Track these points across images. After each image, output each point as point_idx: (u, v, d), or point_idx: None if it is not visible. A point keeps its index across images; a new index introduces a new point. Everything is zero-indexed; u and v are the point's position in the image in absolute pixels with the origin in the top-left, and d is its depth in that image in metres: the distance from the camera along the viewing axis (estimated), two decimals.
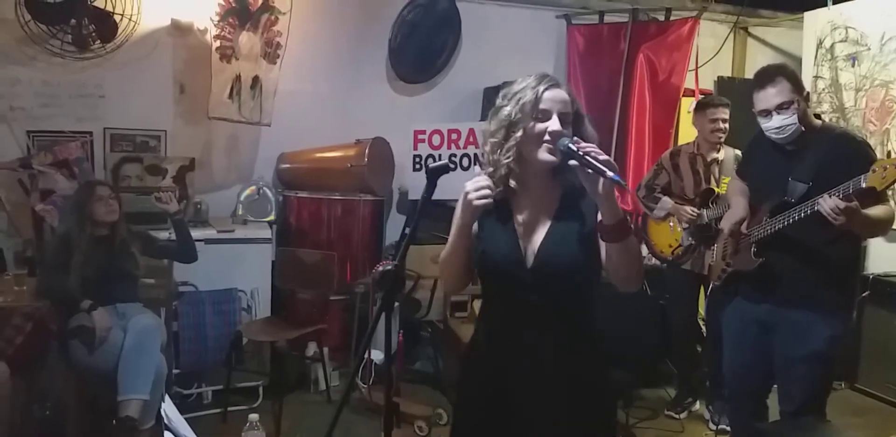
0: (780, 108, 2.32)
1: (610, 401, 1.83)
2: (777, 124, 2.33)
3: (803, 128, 2.34)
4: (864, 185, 2.10)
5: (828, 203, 2.12)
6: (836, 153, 2.31)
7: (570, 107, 1.65)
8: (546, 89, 1.63)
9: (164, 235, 3.51)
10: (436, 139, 4.38)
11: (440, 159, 4.27)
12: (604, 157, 1.50)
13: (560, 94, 1.64)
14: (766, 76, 2.36)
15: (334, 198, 4.17)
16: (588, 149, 1.52)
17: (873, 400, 3.93)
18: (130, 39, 3.97)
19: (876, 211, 2.21)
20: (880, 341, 3.91)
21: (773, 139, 2.39)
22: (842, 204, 2.08)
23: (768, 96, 2.33)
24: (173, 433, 1.56)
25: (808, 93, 2.41)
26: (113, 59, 3.97)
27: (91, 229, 3.20)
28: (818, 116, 2.51)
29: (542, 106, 1.62)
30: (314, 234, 4.14)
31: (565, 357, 1.66)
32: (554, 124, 1.61)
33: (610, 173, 1.46)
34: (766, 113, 2.35)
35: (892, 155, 3.93)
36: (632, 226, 1.56)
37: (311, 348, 3.85)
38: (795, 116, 2.32)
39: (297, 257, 3.91)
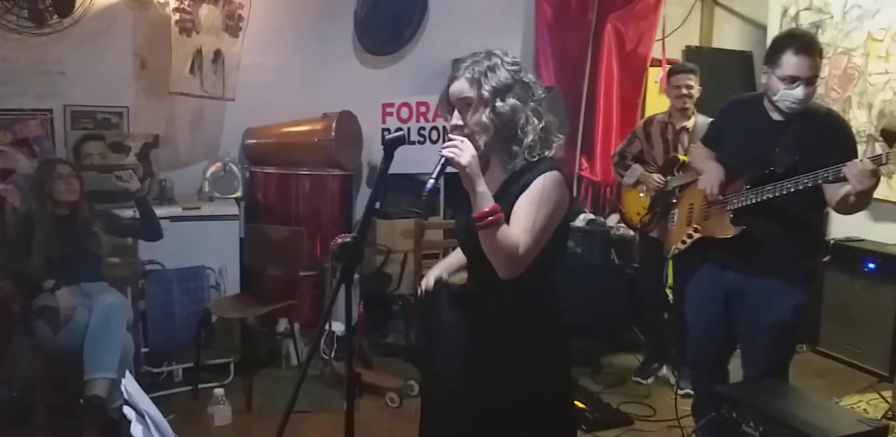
0: (811, 81, 2.26)
1: (528, 375, 1.77)
2: (800, 96, 2.26)
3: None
4: (886, 160, 2.03)
5: (857, 167, 2.06)
6: (823, 131, 2.30)
7: (469, 93, 1.68)
8: (450, 84, 1.72)
9: (128, 213, 3.46)
10: (404, 112, 4.36)
11: (410, 133, 4.26)
12: (447, 153, 1.58)
13: (458, 85, 1.70)
14: (809, 44, 2.26)
15: (302, 173, 4.14)
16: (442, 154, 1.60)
17: (834, 362, 4.02)
18: (88, 14, 3.85)
19: None
20: (841, 304, 4.00)
21: (784, 107, 2.31)
22: (870, 165, 2.03)
23: (807, 66, 2.24)
24: (133, 409, 1.56)
25: None
26: (71, 34, 3.86)
27: (52, 209, 3.16)
28: None
29: (450, 100, 1.72)
30: (282, 210, 4.12)
31: (488, 324, 1.78)
32: (454, 119, 1.71)
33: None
34: (795, 80, 2.25)
35: (853, 122, 3.97)
36: (486, 225, 1.59)
37: (282, 325, 3.85)
38: (814, 92, 2.30)
39: (265, 234, 3.89)
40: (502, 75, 1.67)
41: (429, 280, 1.93)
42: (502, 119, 1.66)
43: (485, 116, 1.66)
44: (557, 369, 1.83)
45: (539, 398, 1.78)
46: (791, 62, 2.24)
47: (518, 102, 1.67)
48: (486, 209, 1.58)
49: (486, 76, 1.66)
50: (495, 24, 4.90)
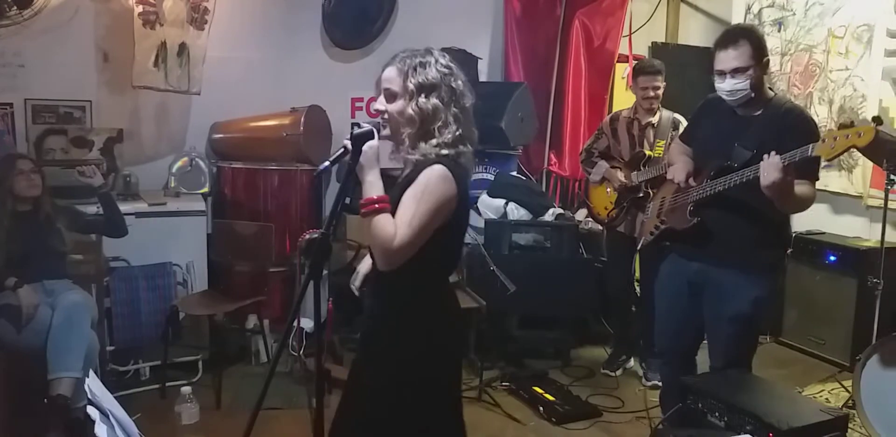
0: (736, 72, 2.30)
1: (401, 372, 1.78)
2: (728, 88, 2.33)
3: (753, 94, 2.34)
4: (811, 154, 2.09)
5: (765, 160, 2.13)
6: (783, 126, 2.32)
7: (395, 83, 1.70)
8: (384, 70, 1.74)
9: (92, 209, 3.40)
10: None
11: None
12: (345, 141, 1.66)
13: (388, 72, 1.73)
14: (730, 37, 2.33)
15: (270, 168, 4.09)
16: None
17: (796, 352, 4.11)
18: (49, 5, 3.78)
19: (801, 187, 2.24)
20: (803, 296, 4.09)
21: (726, 100, 2.39)
22: (776, 159, 2.09)
23: (727, 58, 2.30)
24: (97, 408, 1.54)
25: (768, 59, 2.37)
26: (32, 26, 3.79)
27: (13, 205, 3.11)
28: (770, 88, 2.49)
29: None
30: (250, 205, 4.07)
31: (379, 313, 1.82)
32: (378, 104, 1.75)
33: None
34: (721, 74, 2.33)
35: (814, 118, 4.05)
36: (366, 212, 1.63)
37: (251, 321, 3.83)
38: (748, 82, 2.30)
39: (233, 230, 3.85)
40: (431, 74, 1.69)
41: (357, 279, 2.00)
42: (423, 115, 1.68)
43: (410, 108, 1.68)
44: (439, 363, 1.81)
45: (416, 392, 1.77)
46: (716, 58, 2.36)
47: (440, 104, 1.69)
48: (373, 197, 1.63)
49: (414, 70, 1.69)
50: (465, 18, 4.90)
